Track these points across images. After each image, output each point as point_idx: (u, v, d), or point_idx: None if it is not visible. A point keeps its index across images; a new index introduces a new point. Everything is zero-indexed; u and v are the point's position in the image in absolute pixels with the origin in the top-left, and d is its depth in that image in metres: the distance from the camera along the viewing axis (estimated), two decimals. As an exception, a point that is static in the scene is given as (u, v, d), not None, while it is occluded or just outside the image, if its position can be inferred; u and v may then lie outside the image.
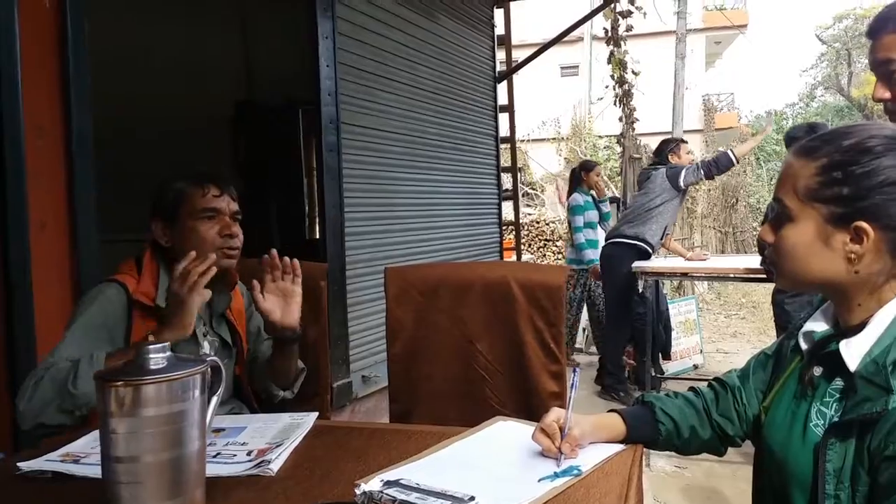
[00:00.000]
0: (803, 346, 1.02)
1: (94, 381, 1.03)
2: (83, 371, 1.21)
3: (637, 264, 3.96)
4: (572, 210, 5.05)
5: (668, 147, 4.51)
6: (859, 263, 0.90)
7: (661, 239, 4.36)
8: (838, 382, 0.94)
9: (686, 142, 4.69)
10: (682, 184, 4.23)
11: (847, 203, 0.89)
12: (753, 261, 3.91)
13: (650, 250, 4.29)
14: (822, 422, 0.93)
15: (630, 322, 4.38)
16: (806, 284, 0.97)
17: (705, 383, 1.20)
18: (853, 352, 0.91)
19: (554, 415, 1.04)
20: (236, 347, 1.57)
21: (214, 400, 0.94)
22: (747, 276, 3.68)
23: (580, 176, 5.13)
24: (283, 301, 1.47)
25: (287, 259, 1.49)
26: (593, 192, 5.10)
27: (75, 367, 1.22)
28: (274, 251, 1.49)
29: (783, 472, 0.96)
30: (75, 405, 1.21)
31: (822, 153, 0.92)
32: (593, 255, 4.86)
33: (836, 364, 0.93)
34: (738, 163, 4.29)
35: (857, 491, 0.86)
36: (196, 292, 1.29)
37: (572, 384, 1.10)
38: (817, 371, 0.97)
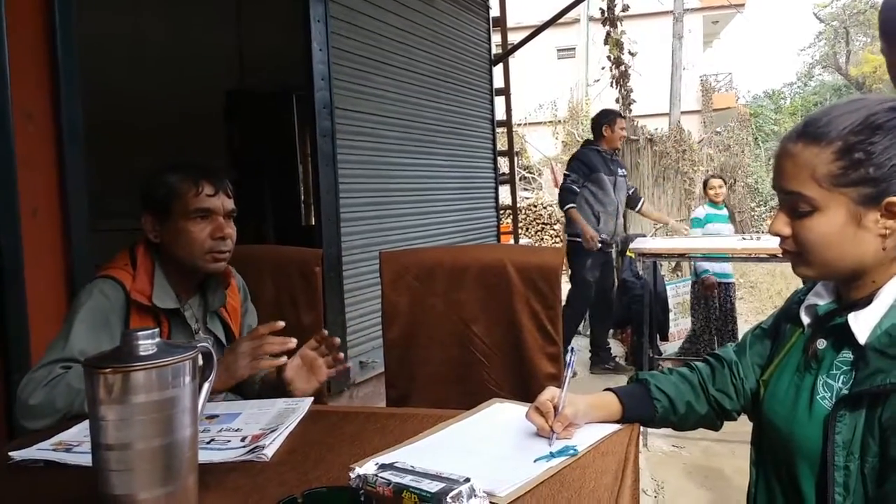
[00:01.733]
0: (805, 319, 1.01)
1: None
2: None
3: (634, 245, 3.98)
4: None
5: (605, 119, 4.56)
6: (889, 239, 0.89)
7: (602, 224, 4.49)
8: (846, 354, 0.93)
9: (624, 117, 4.72)
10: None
11: (876, 182, 0.88)
12: (751, 240, 3.91)
13: (587, 243, 4.43)
14: (830, 394, 0.93)
15: (586, 304, 4.67)
16: (836, 271, 0.95)
17: (700, 360, 1.20)
18: (862, 324, 0.91)
19: (548, 394, 1.04)
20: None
21: (206, 386, 0.93)
22: (745, 256, 3.67)
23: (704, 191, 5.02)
24: (307, 374, 1.38)
25: (336, 339, 1.40)
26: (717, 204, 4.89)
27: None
28: (325, 332, 1.40)
29: (789, 445, 0.96)
30: (78, 418, 1.17)
31: (833, 137, 0.89)
32: (707, 264, 4.62)
33: (843, 336, 0.93)
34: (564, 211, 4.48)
35: (866, 462, 0.86)
36: (254, 368, 1.25)
37: (568, 364, 1.10)
38: (822, 344, 0.96)
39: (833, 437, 0.88)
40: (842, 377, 0.93)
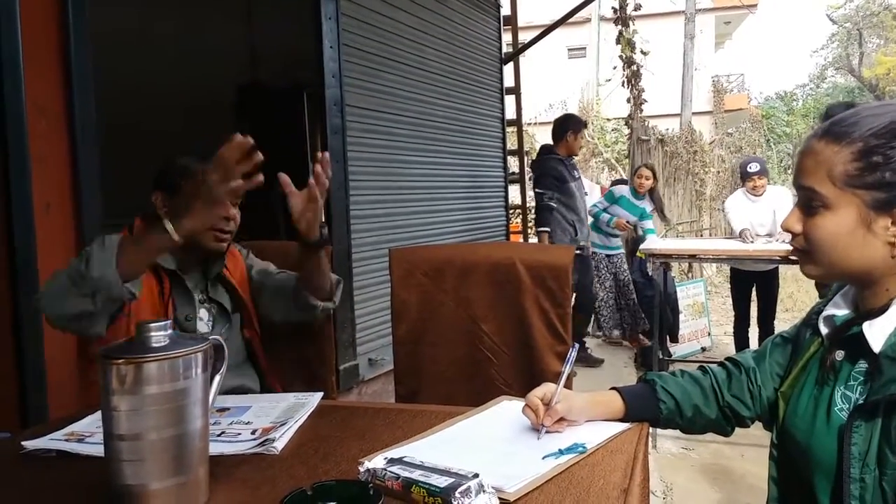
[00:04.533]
0: (823, 330, 1.00)
1: (107, 262, 1.13)
2: (95, 254, 1.20)
3: (644, 246, 3.99)
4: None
5: (573, 125, 4.64)
6: None
7: (578, 233, 4.56)
8: (862, 365, 0.92)
9: (587, 126, 4.83)
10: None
11: (891, 188, 0.86)
12: (761, 243, 3.88)
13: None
14: (847, 406, 0.91)
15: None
16: (842, 273, 0.94)
17: (716, 363, 1.18)
18: (877, 333, 0.89)
19: (542, 390, 1.04)
20: (240, 312, 1.57)
21: (217, 378, 0.93)
22: (757, 258, 3.65)
23: None
24: (304, 202, 1.47)
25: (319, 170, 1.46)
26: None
27: (87, 252, 1.22)
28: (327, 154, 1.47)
29: (807, 458, 0.94)
30: (92, 287, 1.19)
31: (855, 137, 0.88)
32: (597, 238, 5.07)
33: (859, 347, 0.92)
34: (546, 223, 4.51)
35: (885, 474, 0.84)
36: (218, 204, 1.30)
37: (567, 360, 1.10)
38: (839, 355, 0.95)
39: (849, 449, 0.87)
40: (859, 388, 0.91)
